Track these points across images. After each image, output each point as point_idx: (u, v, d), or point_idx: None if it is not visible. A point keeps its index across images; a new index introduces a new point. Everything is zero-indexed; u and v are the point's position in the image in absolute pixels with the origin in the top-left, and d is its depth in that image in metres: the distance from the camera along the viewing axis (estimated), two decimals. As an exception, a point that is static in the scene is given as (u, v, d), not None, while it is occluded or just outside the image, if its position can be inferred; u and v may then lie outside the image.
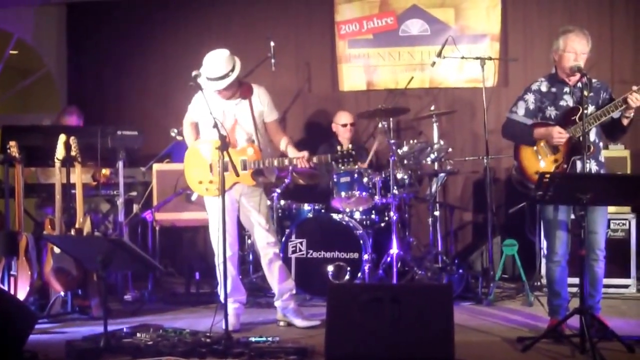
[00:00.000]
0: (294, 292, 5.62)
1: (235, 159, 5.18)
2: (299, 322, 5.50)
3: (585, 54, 5.03)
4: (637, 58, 7.70)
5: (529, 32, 7.89)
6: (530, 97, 5.17)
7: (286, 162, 5.41)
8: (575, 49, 4.99)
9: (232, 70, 5.27)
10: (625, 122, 4.95)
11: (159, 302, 6.56)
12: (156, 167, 6.83)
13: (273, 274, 5.56)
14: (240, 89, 5.45)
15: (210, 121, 4.99)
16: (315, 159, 5.39)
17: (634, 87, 4.82)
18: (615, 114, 4.95)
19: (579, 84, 5.03)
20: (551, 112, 5.11)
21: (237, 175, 5.14)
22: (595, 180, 4.78)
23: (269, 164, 5.38)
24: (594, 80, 5.10)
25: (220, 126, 4.97)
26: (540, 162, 5.10)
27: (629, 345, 4.54)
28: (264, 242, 5.52)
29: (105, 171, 6.71)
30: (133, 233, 6.98)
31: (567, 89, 5.08)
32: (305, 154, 5.36)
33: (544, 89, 5.16)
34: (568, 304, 5.16)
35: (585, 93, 4.89)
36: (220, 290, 5.22)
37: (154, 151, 7.13)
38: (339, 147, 5.39)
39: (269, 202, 6.07)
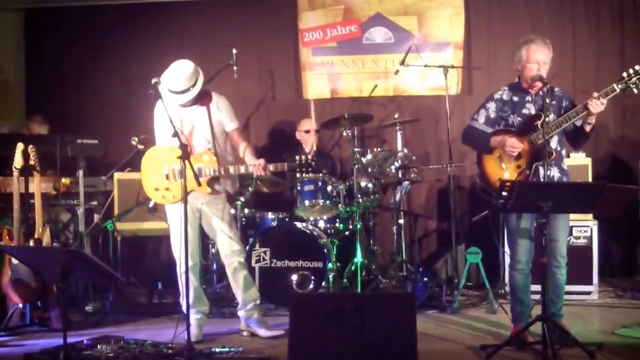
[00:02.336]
0: (258, 302, 5.58)
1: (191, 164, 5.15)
2: (262, 332, 5.46)
3: (547, 63, 5.07)
4: (599, 68, 7.79)
5: (492, 40, 7.96)
6: (491, 106, 5.20)
7: (242, 169, 5.37)
8: (538, 59, 5.03)
9: (194, 85, 5.23)
10: (587, 128, 5.00)
11: (121, 313, 6.45)
12: (117, 176, 6.77)
13: (237, 283, 5.52)
14: (199, 96, 5.38)
15: (168, 129, 4.94)
16: (271, 167, 5.36)
17: (595, 94, 4.88)
18: (578, 122, 5.00)
19: (541, 92, 5.06)
20: (514, 119, 5.14)
21: (199, 184, 5.08)
22: (556, 188, 4.82)
23: (225, 171, 5.33)
24: (556, 89, 5.16)
25: (181, 134, 4.92)
26: (503, 169, 5.12)
27: (590, 351, 4.57)
28: (228, 250, 5.47)
29: (66, 180, 6.60)
30: (94, 243, 6.87)
31: (529, 98, 5.12)
32: (261, 161, 5.33)
33: (506, 97, 5.19)
34: (531, 311, 5.19)
35: (548, 101, 4.95)
36: (183, 301, 5.17)
37: (117, 160, 7.06)
38: (297, 157, 5.36)
39: (232, 210, 6.00)
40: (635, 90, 4.92)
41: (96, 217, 6.83)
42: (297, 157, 5.32)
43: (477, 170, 5.30)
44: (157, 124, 5.53)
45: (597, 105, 4.85)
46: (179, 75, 5.20)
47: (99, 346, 4.85)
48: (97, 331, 5.66)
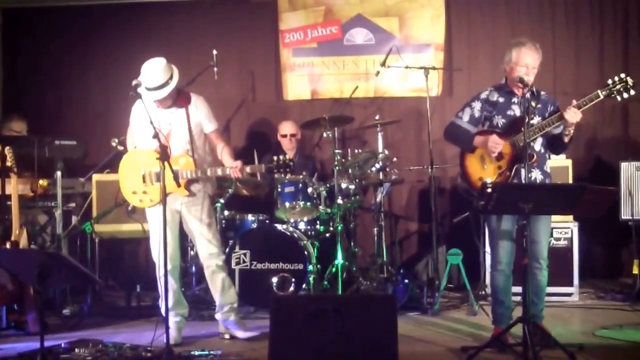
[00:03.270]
0: (235, 304, 5.54)
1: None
2: (240, 334, 5.43)
3: (536, 68, 5.11)
4: (579, 69, 7.84)
5: (472, 42, 7.97)
6: (477, 105, 5.23)
7: (219, 171, 5.34)
8: (527, 63, 5.06)
9: (171, 78, 5.19)
10: (565, 139, 5.05)
11: (99, 316, 6.38)
12: (96, 177, 6.71)
13: (215, 285, 5.49)
14: (178, 97, 5.36)
15: (147, 130, 4.91)
16: (248, 169, 5.33)
17: (574, 102, 4.92)
18: (557, 130, 5.05)
19: (528, 95, 5.09)
20: (499, 120, 5.16)
21: (179, 186, 5.04)
22: (537, 190, 4.84)
23: (202, 173, 5.29)
24: (542, 93, 5.19)
25: (161, 135, 4.89)
26: (484, 169, 5.14)
27: (571, 353, 4.59)
28: (206, 252, 5.44)
29: (43, 182, 6.53)
30: (72, 245, 6.80)
31: (515, 99, 5.15)
32: (238, 163, 5.29)
33: (492, 98, 5.21)
34: (512, 313, 5.20)
35: (534, 104, 4.98)
36: (162, 303, 5.12)
37: (96, 161, 6.99)
38: (275, 157, 5.32)
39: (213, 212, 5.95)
40: (619, 98, 4.97)
41: (74, 219, 6.77)
42: (275, 158, 5.29)
43: (459, 169, 5.31)
44: (133, 125, 5.49)
45: (573, 115, 4.88)
46: (153, 71, 5.16)
47: (76, 350, 4.82)
48: (74, 334, 5.59)
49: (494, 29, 7.94)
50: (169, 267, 5.11)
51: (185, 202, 5.39)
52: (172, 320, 5.33)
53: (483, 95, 5.25)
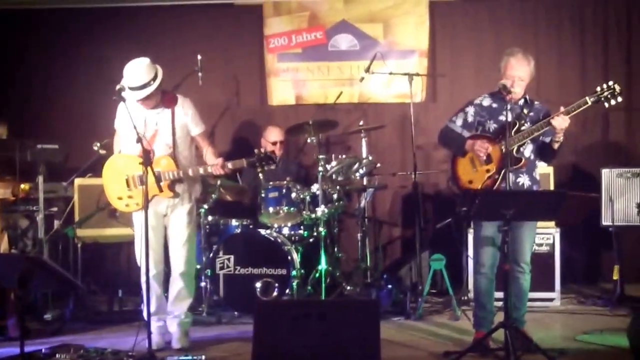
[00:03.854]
0: (183, 317, 5.45)
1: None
2: (174, 343, 5.38)
3: (524, 80, 5.15)
4: (562, 76, 7.90)
5: (456, 49, 8.02)
6: (470, 110, 5.31)
7: (201, 170, 5.32)
8: (513, 75, 5.12)
9: (154, 78, 5.18)
10: (555, 145, 5.13)
11: (81, 321, 6.34)
12: (78, 181, 6.67)
13: (172, 291, 5.46)
14: (164, 98, 5.35)
15: (131, 134, 4.91)
16: (230, 165, 5.29)
17: (562, 109, 4.99)
18: (547, 138, 5.14)
19: (520, 102, 5.20)
20: (491, 125, 5.24)
21: (161, 190, 5.03)
22: (519, 196, 4.88)
23: (183, 173, 5.27)
24: (535, 102, 5.29)
25: (144, 139, 4.87)
26: (474, 172, 5.22)
27: (552, 358, 4.62)
28: (178, 256, 5.41)
29: (25, 186, 6.50)
30: (54, 250, 6.76)
31: (508, 106, 5.17)
32: (219, 160, 5.28)
33: (485, 103, 5.30)
34: (493, 317, 5.23)
35: (526, 111, 5.14)
36: (145, 308, 5.10)
37: (78, 165, 6.95)
38: (256, 150, 5.27)
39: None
40: (606, 105, 5.06)
41: (56, 224, 6.71)
42: (256, 151, 5.25)
43: (449, 172, 5.38)
44: (118, 128, 5.49)
45: (561, 121, 4.95)
46: (137, 71, 5.15)
47: (57, 355, 4.77)
48: (56, 340, 5.55)
49: (477, 36, 7.99)
50: (153, 272, 5.14)
51: (171, 205, 5.38)
52: (155, 325, 5.31)
53: (477, 101, 5.34)
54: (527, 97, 5.23)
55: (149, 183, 4.91)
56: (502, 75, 5.17)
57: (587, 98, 5.01)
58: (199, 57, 6.87)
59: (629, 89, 7.82)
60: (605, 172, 6.79)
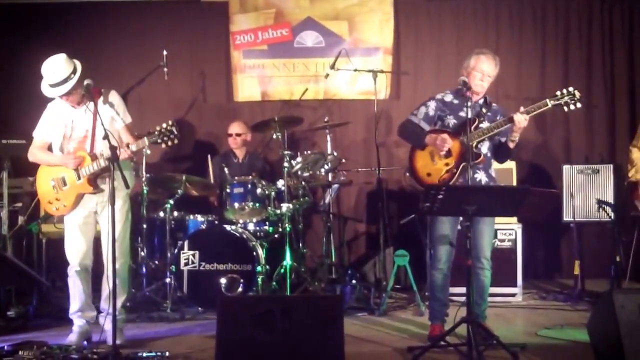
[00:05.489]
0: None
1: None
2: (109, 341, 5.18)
3: (491, 77, 5.30)
4: (521, 73, 8.03)
5: (419, 47, 8.09)
6: (432, 104, 5.40)
7: (109, 153, 4.95)
8: (483, 69, 5.25)
9: (73, 73, 5.09)
10: (511, 145, 5.26)
11: (45, 318, 6.28)
12: (42, 178, 6.59)
13: (104, 290, 5.34)
14: (88, 94, 5.15)
15: (59, 134, 5.10)
16: (133, 147, 5.07)
17: (522, 109, 5.11)
18: (502, 138, 5.28)
19: (480, 102, 5.34)
20: (450, 120, 5.33)
21: (92, 187, 5.10)
22: (481, 192, 4.95)
23: (97, 166, 5.11)
24: (493, 105, 5.41)
25: (110, 137, 4.82)
26: (433, 165, 5.30)
27: (514, 352, 4.66)
28: (109, 254, 5.07)
29: (-11, 181, 6.44)
30: (18, 246, 6.69)
31: (469, 103, 5.25)
32: (123, 143, 5.11)
33: (447, 99, 5.40)
34: (447, 309, 5.41)
35: (484, 110, 5.28)
36: (110, 304, 5.00)
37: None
38: (157, 127, 5.02)
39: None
40: (566, 109, 5.17)
41: (20, 219, 6.65)
42: (158, 127, 5.01)
43: (407, 164, 5.45)
44: (43, 133, 5.42)
45: (522, 120, 5.06)
46: (55, 66, 5.10)
47: (20, 352, 4.70)
48: (19, 336, 5.50)
49: (440, 34, 8.08)
50: (78, 268, 5.21)
51: (101, 202, 5.27)
52: (77, 323, 5.32)
53: (439, 96, 5.44)
54: (487, 97, 5.39)
55: (72, 182, 5.05)
56: (469, 71, 5.27)
57: (547, 100, 5.12)
58: (165, 52, 6.86)
59: (589, 88, 7.98)
60: (566, 169, 6.89)
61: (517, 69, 8.04)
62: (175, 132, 4.98)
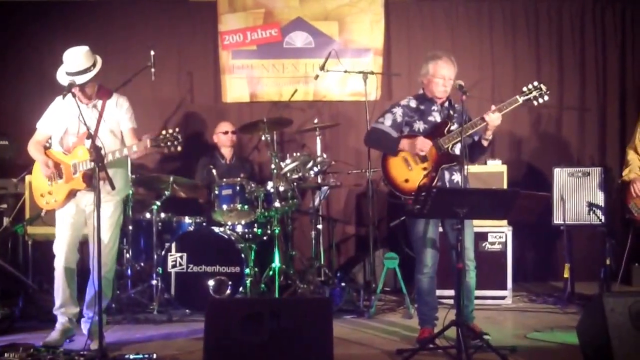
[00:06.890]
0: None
1: (68, 162, 5.15)
2: (94, 345, 5.08)
3: (452, 79, 5.32)
4: (516, 76, 7.99)
5: (412, 47, 8.06)
6: (398, 111, 5.42)
7: (110, 156, 5.10)
8: (444, 75, 5.30)
9: (94, 65, 5.16)
10: (485, 143, 5.31)
11: (32, 320, 6.20)
12: (29, 178, 6.55)
13: (89, 293, 5.30)
14: (99, 91, 5.29)
15: (61, 129, 5.09)
16: (135, 148, 5.08)
17: (492, 107, 5.18)
18: (476, 137, 5.32)
19: (446, 104, 5.39)
20: (419, 125, 5.36)
21: (87, 185, 5.08)
22: (472, 194, 4.94)
23: (96, 163, 4.98)
24: (455, 105, 5.43)
25: (95, 136, 4.81)
26: (409, 170, 5.30)
27: (504, 355, 4.66)
28: (96, 257, 4.99)
29: (-27, 183, 6.38)
30: (3, 248, 6.63)
31: (435, 107, 5.41)
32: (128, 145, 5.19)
33: (412, 105, 5.43)
34: (437, 313, 5.39)
35: (451, 112, 5.35)
36: (95, 306, 4.95)
37: (29, 162, 6.74)
38: (163, 131, 5.02)
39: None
40: (535, 103, 5.26)
41: (6, 221, 6.61)
42: (163, 132, 4.99)
43: (381, 173, 5.44)
44: (46, 125, 5.43)
45: (494, 118, 5.12)
46: (76, 56, 5.15)
47: (6, 354, 4.69)
48: (4, 339, 5.45)
49: (433, 35, 8.06)
50: (63, 265, 5.18)
51: (90, 204, 5.16)
52: (60, 319, 5.31)
53: (403, 102, 5.46)
54: (451, 99, 5.43)
55: (67, 175, 5.06)
56: (429, 78, 5.33)
57: (517, 97, 5.21)
58: (152, 52, 6.79)
59: (583, 90, 8.00)
60: (557, 171, 6.89)
61: (512, 70, 8.05)
62: (180, 139, 4.99)
